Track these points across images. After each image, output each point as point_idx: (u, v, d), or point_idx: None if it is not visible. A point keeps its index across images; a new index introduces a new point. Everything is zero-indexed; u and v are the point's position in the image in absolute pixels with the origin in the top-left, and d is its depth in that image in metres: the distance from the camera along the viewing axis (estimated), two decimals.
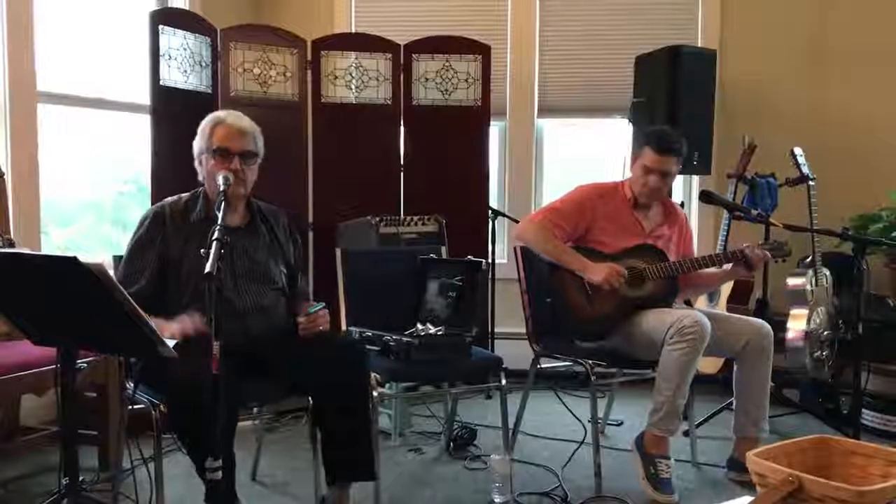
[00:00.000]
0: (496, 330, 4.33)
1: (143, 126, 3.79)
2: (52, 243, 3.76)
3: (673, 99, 4.09)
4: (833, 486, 1.48)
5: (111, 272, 2.01)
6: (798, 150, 3.86)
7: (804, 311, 3.74)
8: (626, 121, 4.33)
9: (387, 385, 3.23)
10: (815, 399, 3.95)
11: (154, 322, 1.99)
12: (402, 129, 4.34)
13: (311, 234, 4.22)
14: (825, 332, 3.75)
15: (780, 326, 3.59)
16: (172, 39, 3.77)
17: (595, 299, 3.06)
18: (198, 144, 2.61)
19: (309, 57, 4.22)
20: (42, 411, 3.30)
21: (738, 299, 4.00)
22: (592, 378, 3.00)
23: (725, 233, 3.98)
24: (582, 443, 3.27)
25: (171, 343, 2.02)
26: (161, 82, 3.71)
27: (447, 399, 3.66)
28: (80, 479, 2.15)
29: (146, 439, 2.42)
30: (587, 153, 5.14)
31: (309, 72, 4.22)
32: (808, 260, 3.81)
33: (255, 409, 2.67)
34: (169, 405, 2.30)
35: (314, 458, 2.67)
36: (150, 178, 3.66)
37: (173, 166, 2.73)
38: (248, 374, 2.42)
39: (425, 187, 4.32)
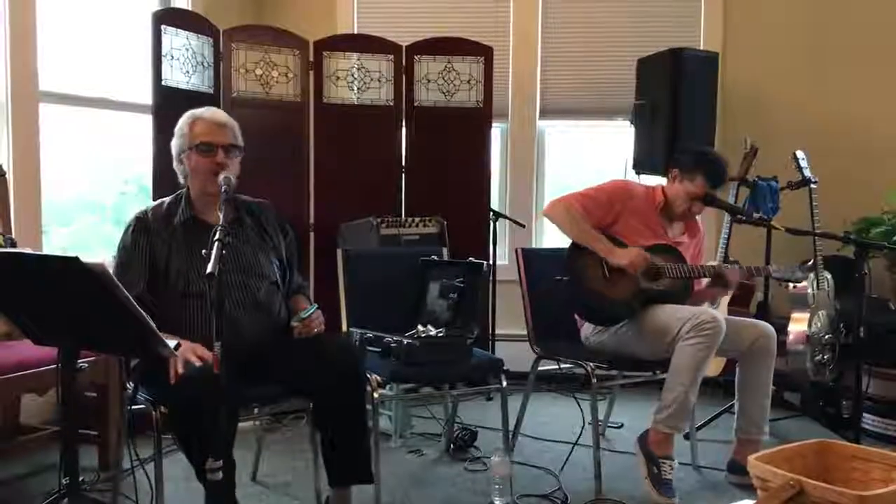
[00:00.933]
0: (497, 331, 4.32)
1: (144, 126, 3.79)
2: (53, 243, 3.76)
3: (675, 101, 4.09)
4: (834, 491, 1.48)
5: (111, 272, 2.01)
6: (800, 154, 3.86)
7: (805, 315, 3.74)
8: (629, 123, 4.33)
9: (387, 386, 3.22)
10: (815, 403, 3.94)
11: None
12: (403, 130, 4.34)
13: (311, 235, 4.22)
14: (826, 336, 3.75)
15: (781, 330, 3.59)
16: (175, 40, 3.77)
17: (613, 283, 3.06)
18: (177, 144, 2.60)
19: (311, 58, 4.21)
20: (42, 411, 3.30)
21: (739, 302, 4.00)
22: (594, 380, 3.00)
23: (727, 236, 3.97)
24: (576, 443, 3.26)
25: (171, 343, 2.01)
26: (163, 82, 3.71)
27: (447, 400, 3.66)
28: (81, 478, 2.14)
29: (146, 439, 2.42)
30: (589, 155, 5.13)
31: (311, 73, 4.22)
32: (810, 263, 3.80)
33: (255, 410, 2.66)
34: (169, 406, 2.29)
35: (314, 459, 2.67)
36: (152, 178, 3.66)
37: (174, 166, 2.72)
38: (248, 375, 2.42)
39: (426, 189, 4.32)
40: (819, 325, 3.74)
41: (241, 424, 2.47)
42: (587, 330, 3.23)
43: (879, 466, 1.70)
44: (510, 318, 4.16)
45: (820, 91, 4.63)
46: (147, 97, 3.75)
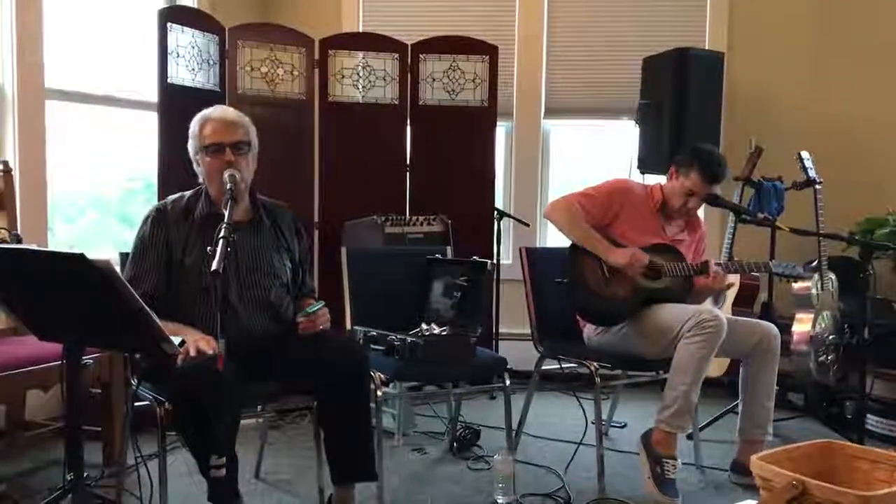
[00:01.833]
0: (500, 330, 4.33)
1: (149, 123, 3.80)
2: (58, 239, 3.77)
3: (680, 101, 4.09)
4: (838, 491, 1.48)
5: (118, 269, 2.02)
6: (805, 154, 3.85)
7: (809, 315, 3.73)
8: (634, 122, 4.33)
9: (391, 384, 3.23)
10: (819, 403, 3.94)
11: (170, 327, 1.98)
12: (408, 128, 4.34)
13: (316, 234, 4.22)
14: (830, 337, 3.75)
15: (784, 330, 3.58)
16: (181, 37, 3.78)
17: (611, 284, 3.07)
18: (192, 146, 2.60)
19: (316, 56, 4.22)
20: (46, 407, 3.30)
21: (743, 303, 3.99)
22: (597, 380, 3.00)
23: (731, 236, 3.97)
24: (581, 443, 3.26)
25: (176, 340, 2.02)
26: (169, 80, 3.72)
27: (451, 399, 3.66)
28: (85, 474, 2.15)
29: (150, 436, 2.43)
30: (594, 155, 5.13)
31: (316, 71, 4.23)
32: (814, 264, 3.80)
33: (259, 407, 2.67)
34: (173, 402, 2.30)
35: (317, 457, 2.67)
36: (157, 174, 3.67)
37: (180, 163, 2.73)
38: (251, 372, 2.42)
39: (431, 187, 4.32)
40: (823, 325, 3.74)
41: (244, 421, 2.48)
42: (589, 330, 3.23)
43: (883, 467, 1.70)
44: (513, 316, 4.17)
45: (825, 91, 4.62)
46: (152, 94, 3.76)
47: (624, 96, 4.63)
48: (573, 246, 3.14)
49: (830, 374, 3.76)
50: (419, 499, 2.96)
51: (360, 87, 4.30)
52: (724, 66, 4.31)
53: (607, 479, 2.97)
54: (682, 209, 3.21)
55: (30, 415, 3.23)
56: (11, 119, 3.41)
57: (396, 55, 4.32)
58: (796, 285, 3.82)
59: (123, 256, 2.64)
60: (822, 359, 3.72)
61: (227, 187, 2.33)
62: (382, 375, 2.86)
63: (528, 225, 4.52)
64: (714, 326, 2.82)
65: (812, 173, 3.81)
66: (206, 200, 2.59)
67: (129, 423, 2.67)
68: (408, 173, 4.36)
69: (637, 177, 4.28)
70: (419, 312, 3.24)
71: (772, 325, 3.08)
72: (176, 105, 3.70)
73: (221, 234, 2.00)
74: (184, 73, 3.80)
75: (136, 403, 2.57)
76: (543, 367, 3.31)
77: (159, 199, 3.36)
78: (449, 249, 3.65)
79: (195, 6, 4.30)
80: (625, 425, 3.79)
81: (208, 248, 2.02)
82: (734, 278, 3.82)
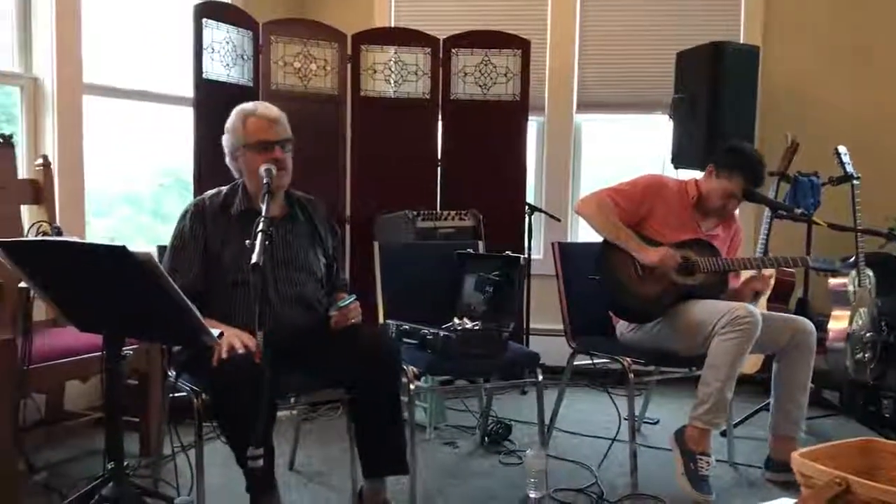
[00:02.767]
0: (531, 326, 4.32)
1: (183, 119, 3.83)
2: (93, 233, 3.83)
3: (715, 96, 4.04)
4: (882, 489, 1.46)
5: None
6: (842, 149, 3.80)
7: (846, 312, 3.69)
8: (667, 117, 4.29)
9: (422, 378, 3.23)
10: (855, 401, 3.89)
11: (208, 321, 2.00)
12: (440, 123, 4.34)
13: (348, 228, 4.24)
14: (867, 334, 3.70)
15: (820, 327, 3.54)
16: (216, 33, 3.81)
17: (645, 281, 3.04)
18: (230, 140, 2.59)
19: (349, 51, 4.24)
20: (84, 397, 3.36)
21: (778, 299, 3.95)
22: (630, 376, 2.99)
23: (767, 231, 3.93)
24: (615, 439, 3.25)
25: (215, 332, 2.04)
26: (204, 75, 3.76)
27: (482, 394, 3.66)
28: (125, 463, 2.19)
29: (187, 427, 2.46)
30: (626, 149, 5.09)
31: (349, 66, 4.24)
32: (852, 260, 3.74)
33: (292, 400, 2.69)
34: (211, 394, 2.33)
35: (350, 449, 2.69)
36: (193, 170, 3.71)
37: (214, 159, 2.75)
38: (286, 365, 2.44)
39: (462, 182, 4.32)
40: (860, 322, 3.69)
41: (278, 413, 2.50)
42: (622, 326, 3.21)
43: None
44: (544, 312, 4.15)
45: (862, 85, 4.55)
46: (185, 89, 3.80)
47: (657, 91, 4.59)
48: (605, 242, 3.12)
49: (867, 372, 3.71)
50: (450, 493, 2.97)
51: (392, 81, 4.31)
52: (759, 60, 4.25)
53: (640, 475, 2.96)
54: (721, 210, 3.18)
55: (69, 404, 3.29)
56: (51, 114, 3.46)
57: (428, 50, 4.32)
58: (833, 281, 3.77)
59: (161, 249, 2.67)
60: (858, 356, 3.67)
61: (264, 181, 2.35)
62: (415, 369, 2.86)
63: (559, 220, 4.51)
64: (749, 323, 2.79)
65: (849, 168, 3.76)
66: (243, 195, 2.60)
67: (165, 413, 2.71)
68: (439, 168, 4.36)
69: (670, 172, 4.24)
70: (451, 307, 3.24)
71: (807, 321, 3.04)
72: (210, 100, 3.73)
73: (260, 227, 2.02)
74: (218, 69, 3.84)
75: (174, 394, 2.61)
76: (574, 363, 3.30)
77: (194, 194, 3.41)
78: (480, 244, 3.65)
79: (230, 2, 4.33)
80: (657, 422, 3.77)
81: (246, 241, 2.03)
82: (769, 273, 3.77)
